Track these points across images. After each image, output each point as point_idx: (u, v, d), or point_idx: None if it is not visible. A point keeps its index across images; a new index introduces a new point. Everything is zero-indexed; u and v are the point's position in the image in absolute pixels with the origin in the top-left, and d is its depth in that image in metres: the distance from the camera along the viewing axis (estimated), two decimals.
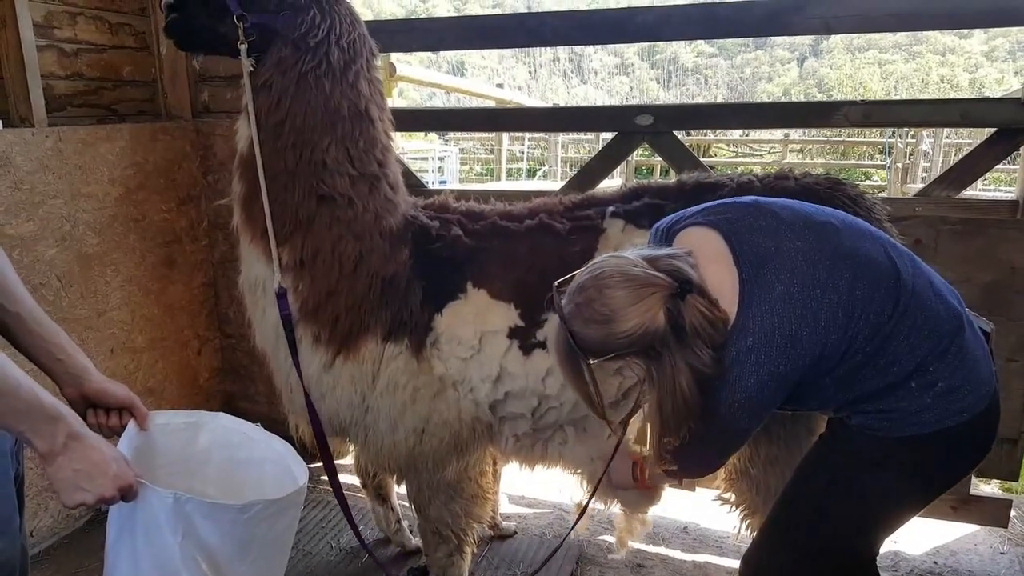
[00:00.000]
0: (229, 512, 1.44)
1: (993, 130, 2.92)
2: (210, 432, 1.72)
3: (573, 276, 1.65)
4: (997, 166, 3.10)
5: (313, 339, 2.28)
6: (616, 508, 2.44)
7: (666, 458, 1.71)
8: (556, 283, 1.68)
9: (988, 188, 13.51)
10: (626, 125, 3.16)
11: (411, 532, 3.05)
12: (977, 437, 1.69)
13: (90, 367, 1.54)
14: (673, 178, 2.50)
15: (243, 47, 2.11)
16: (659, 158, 3.38)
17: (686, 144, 3.23)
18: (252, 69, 2.14)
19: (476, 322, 2.24)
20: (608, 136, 3.38)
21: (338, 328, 2.26)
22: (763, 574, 1.89)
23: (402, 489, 2.47)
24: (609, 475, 2.15)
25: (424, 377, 2.26)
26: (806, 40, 55.72)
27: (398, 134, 2.43)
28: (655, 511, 3.37)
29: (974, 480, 3.18)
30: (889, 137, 14.65)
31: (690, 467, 1.80)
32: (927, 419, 1.61)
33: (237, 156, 2.28)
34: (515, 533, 3.20)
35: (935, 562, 3.05)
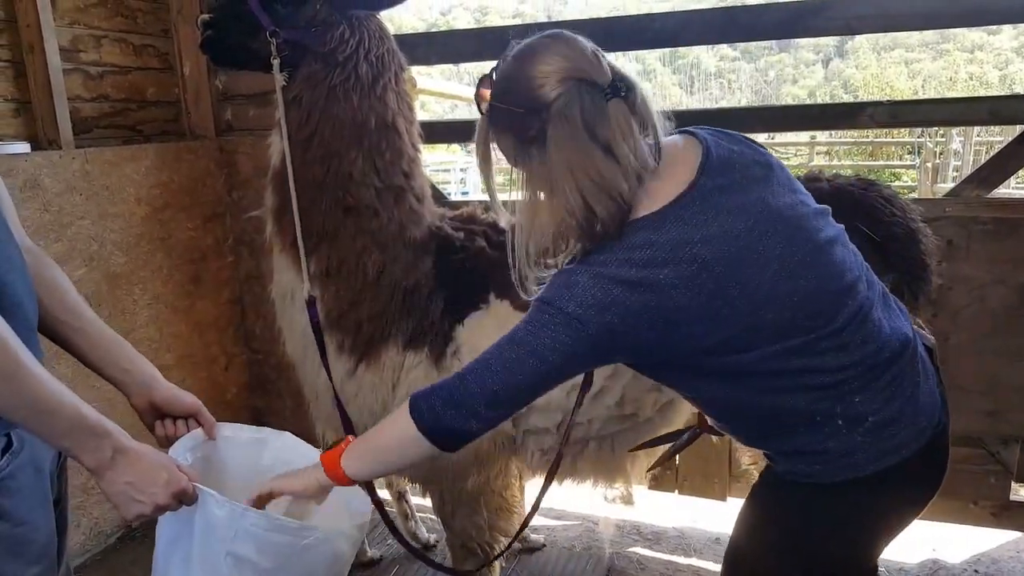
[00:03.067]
0: (286, 533, 1.38)
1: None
2: (274, 451, 1.68)
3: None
4: None
5: (337, 347, 2.30)
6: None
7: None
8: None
9: (1021, 186, 13.26)
10: None
11: (367, 544, 3.10)
12: (925, 474, 1.48)
13: (157, 375, 1.54)
14: None
15: (275, 62, 2.15)
16: None
17: None
18: (284, 83, 2.18)
19: (498, 333, 2.22)
20: None
21: (361, 336, 2.27)
22: None
23: (427, 501, 2.47)
24: None
25: None
26: (831, 41, 55.32)
27: (422, 146, 2.44)
28: (686, 522, 3.34)
29: (1014, 485, 3.10)
30: (918, 137, 14.43)
31: (471, 367, 1.44)
32: (860, 460, 1.39)
33: (271, 169, 2.32)
34: (544, 546, 3.17)
35: (976, 570, 2.97)
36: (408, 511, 3.17)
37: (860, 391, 1.38)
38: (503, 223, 1.59)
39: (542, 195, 1.41)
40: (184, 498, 1.32)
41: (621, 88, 1.34)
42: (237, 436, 1.63)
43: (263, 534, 1.36)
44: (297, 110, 2.18)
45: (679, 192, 1.37)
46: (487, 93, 1.44)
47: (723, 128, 1.53)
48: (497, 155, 1.49)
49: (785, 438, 1.45)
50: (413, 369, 2.26)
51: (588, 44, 1.39)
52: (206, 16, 2.23)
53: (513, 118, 1.39)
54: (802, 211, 1.43)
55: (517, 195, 1.48)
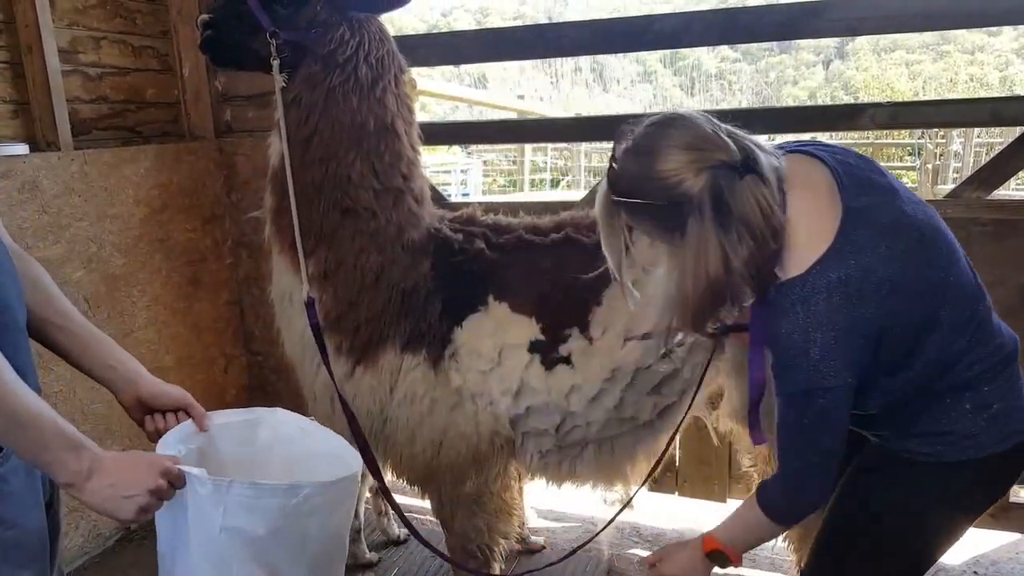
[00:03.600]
0: (275, 496, 1.36)
1: None
2: (269, 428, 1.67)
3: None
4: None
5: (335, 349, 2.30)
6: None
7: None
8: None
9: (1022, 187, 13.25)
10: None
11: (366, 547, 3.09)
12: (1020, 461, 1.61)
13: (143, 371, 1.53)
14: None
15: (275, 63, 2.15)
16: None
17: None
18: (284, 84, 2.18)
19: (496, 335, 2.23)
20: None
21: (358, 338, 2.28)
22: None
23: (427, 503, 2.47)
24: None
25: (442, 389, 2.25)
26: (831, 42, 55.33)
27: (422, 148, 2.45)
28: (686, 523, 3.33)
29: (1014, 487, 3.09)
30: (918, 138, 14.43)
31: (793, 469, 1.57)
32: (983, 442, 1.53)
33: (270, 170, 2.32)
34: (544, 547, 3.17)
35: (975, 572, 2.97)
36: (382, 508, 3.20)
37: (989, 381, 1.52)
38: (632, 307, 1.70)
39: (692, 268, 1.46)
40: (171, 477, 1.29)
41: (752, 164, 1.42)
42: (229, 421, 1.62)
43: (252, 502, 1.34)
44: (296, 110, 2.19)
45: (837, 222, 1.45)
46: (614, 188, 1.52)
47: None
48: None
49: (912, 421, 1.57)
50: (411, 371, 2.26)
51: (705, 122, 1.44)
52: (206, 16, 2.23)
53: (651, 210, 1.48)
54: (930, 212, 1.56)
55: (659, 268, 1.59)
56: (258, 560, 1.38)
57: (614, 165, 1.52)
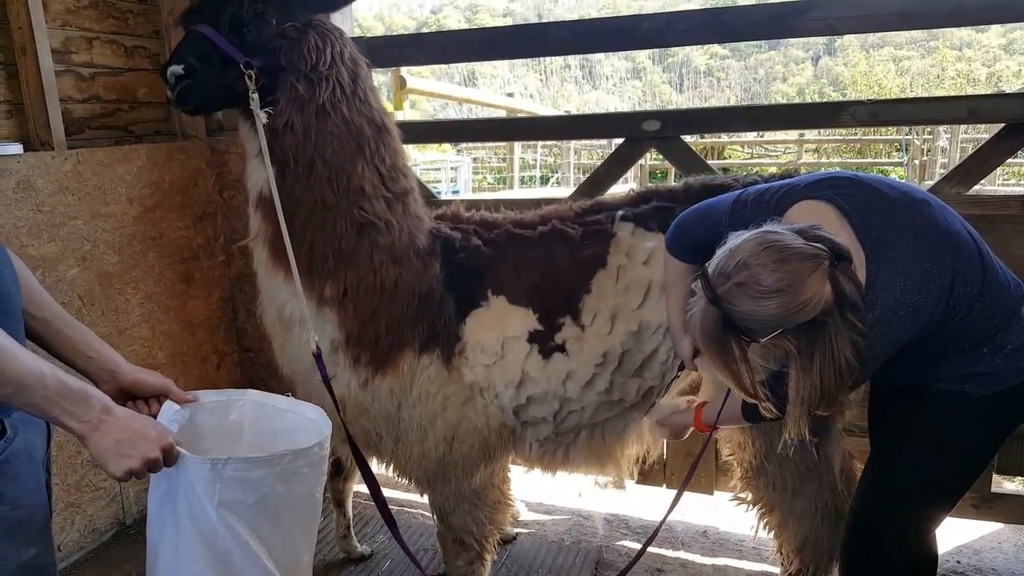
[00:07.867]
0: (264, 466, 1.48)
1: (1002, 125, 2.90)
2: (239, 408, 1.78)
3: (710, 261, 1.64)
4: (1017, 160, 3.07)
5: (353, 361, 2.29)
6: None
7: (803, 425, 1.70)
8: (704, 266, 1.65)
9: (1008, 183, 13.38)
10: (634, 131, 3.19)
11: (357, 541, 3.10)
12: None
13: (121, 360, 1.59)
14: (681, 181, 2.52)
15: (255, 96, 2.07)
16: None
17: (701, 147, 3.25)
18: (266, 121, 2.09)
19: (498, 328, 2.28)
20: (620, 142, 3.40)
21: (379, 348, 2.27)
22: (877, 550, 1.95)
23: (419, 498, 2.50)
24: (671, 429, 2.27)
25: (454, 385, 2.29)
26: (820, 39, 55.47)
27: (412, 146, 2.47)
28: (674, 515, 3.38)
29: (996, 478, 3.15)
30: (906, 134, 14.53)
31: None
32: (1003, 377, 1.79)
33: (254, 196, 2.24)
34: (515, 536, 3.21)
35: (958, 561, 3.03)
36: (347, 522, 3.06)
37: (1002, 328, 1.78)
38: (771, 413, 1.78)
39: (830, 361, 1.58)
40: (169, 455, 1.38)
41: (837, 250, 1.55)
42: (204, 401, 1.72)
43: (244, 475, 1.46)
44: (292, 136, 2.11)
45: (864, 263, 1.67)
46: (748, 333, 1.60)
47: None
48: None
49: (938, 370, 1.82)
50: (425, 370, 2.29)
51: (794, 239, 1.54)
52: (178, 68, 2.08)
53: (789, 334, 1.59)
54: (919, 198, 1.77)
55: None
56: (250, 527, 1.50)
57: (734, 309, 1.56)
